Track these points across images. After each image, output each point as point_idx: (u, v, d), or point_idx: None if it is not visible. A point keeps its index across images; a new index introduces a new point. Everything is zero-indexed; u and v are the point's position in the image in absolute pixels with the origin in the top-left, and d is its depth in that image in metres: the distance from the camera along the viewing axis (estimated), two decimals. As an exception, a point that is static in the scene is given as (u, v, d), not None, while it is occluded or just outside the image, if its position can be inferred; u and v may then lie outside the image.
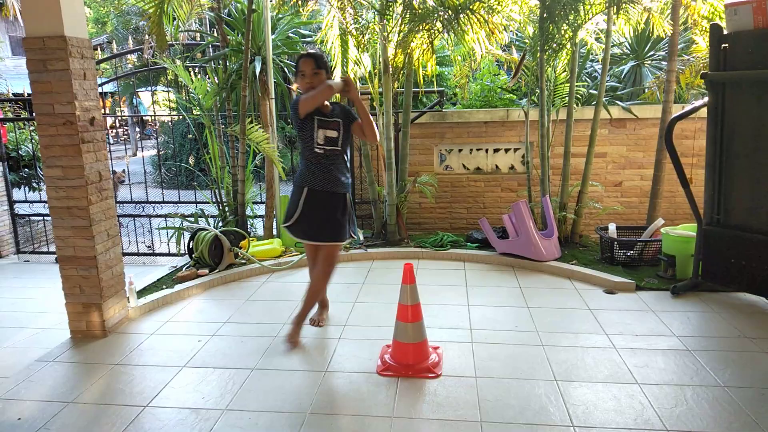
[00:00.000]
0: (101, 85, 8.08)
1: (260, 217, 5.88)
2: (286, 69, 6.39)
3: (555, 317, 3.73)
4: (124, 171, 8.49)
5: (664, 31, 4.96)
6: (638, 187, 5.92)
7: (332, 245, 3.30)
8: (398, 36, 4.97)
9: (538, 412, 2.62)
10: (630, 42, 7.28)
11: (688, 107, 4.14)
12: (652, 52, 7.17)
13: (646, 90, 6.39)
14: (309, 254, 3.50)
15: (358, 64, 5.21)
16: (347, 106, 3.45)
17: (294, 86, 4.13)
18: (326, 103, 3.24)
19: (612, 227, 4.86)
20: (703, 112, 3.98)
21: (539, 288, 4.30)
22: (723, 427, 2.48)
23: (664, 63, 6.33)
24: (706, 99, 3.92)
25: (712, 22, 3.90)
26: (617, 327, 3.54)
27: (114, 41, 14.54)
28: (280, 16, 6.19)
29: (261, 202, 5.98)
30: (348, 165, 3.38)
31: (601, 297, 4.09)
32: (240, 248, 4.90)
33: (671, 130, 4.12)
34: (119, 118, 18.19)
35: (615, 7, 4.65)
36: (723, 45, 3.71)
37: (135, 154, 17.76)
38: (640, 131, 5.81)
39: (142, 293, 4.21)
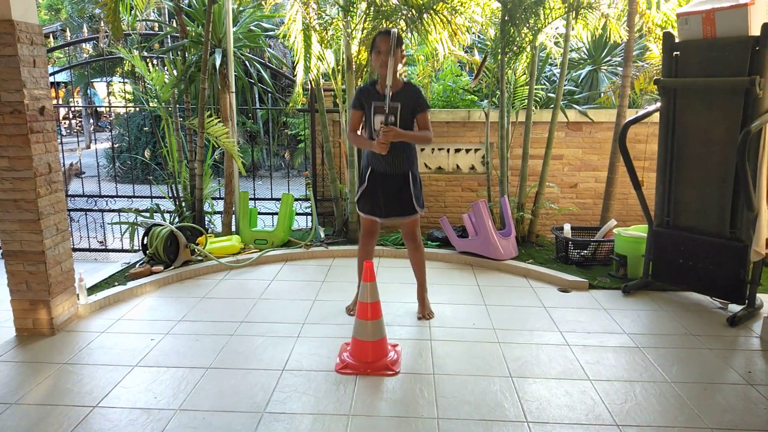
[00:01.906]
0: (53, 74, 7.77)
1: (219, 213, 5.78)
2: (247, 63, 6.29)
3: (511, 315, 3.79)
4: (77, 162, 8.19)
5: (620, 37, 5.11)
6: (593, 189, 6.08)
7: (403, 221, 3.57)
8: (362, 33, 4.96)
9: (494, 408, 2.66)
10: (588, 47, 7.47)
11: (641, 112, 4.27)
12: (608, 58, 7.38)
13: (602, 94, 6.57)
14: (367, 228, 3.68)
15: (321, 60, 5.17)
16: (416, 91, 3.42)
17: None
18: (388, 84, 3.26)
19: (567, 227, 4.98)
20: (656, 116, 4.12)
21: (497, 286, 4.37)
22: (669, 421, 2.58)
23: (619, 68, 6.52)
24: (658, 104, 4.06)
25: (665, 31, 4.04)
26: (571, 324, 3.63)
27: (68, 29, 14.01)
28: (241, 8, 6.09)
29: (220, 198, 5.87)
30: (410, 147, 3.49)
31: (555, 295, 4.19)
32: (197, 245, 4.80)
33: (625, 133, 4.25)
34: (72, 108, 17.54)
35: (574, 12, 4.75)
36: (675, 53, 3.85)
37: (89, 147, 17.15)
38: (596, 134, 5.96)
39: (92, 290, 4.07)
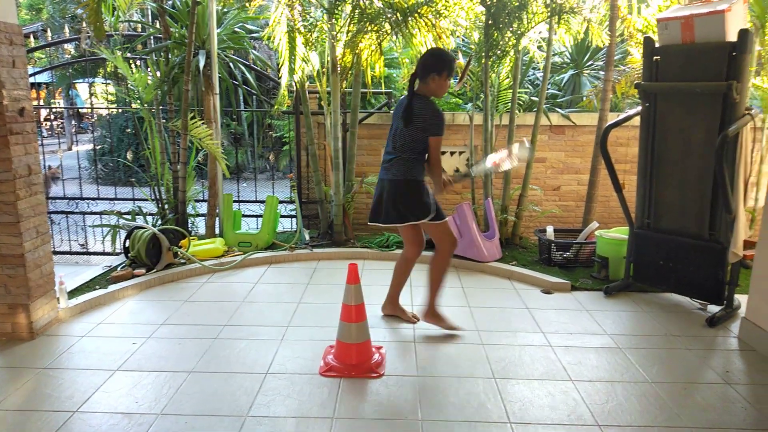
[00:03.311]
0: (34, 74, 7.65)
1: (202, 215, 5.74)
2: (231, 64, 6.26)
3: (495, 316, 3.82)
4: (58, 166, 8.08)
5: (602, 41, 5.17)
6: (575, 192, 6.15)
7: (429, 224, 3.49)
8: (347, 36, 4.97)
9: (477, 410, 2.67)
10: (570, 51, 7.56)
11: (622, 116, 4.32)
12: (590, 62, 7.48)
13: (585, 98, 6.65)
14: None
15: (306, 62, 5.17)
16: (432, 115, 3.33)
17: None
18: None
19: (550, 230, 5.03)
20: (637, 120, 4.18)
21: (480, 288, 4.40)
22: (649, 421, 2.61)
23: (601, 72, 6.59)
24: (639, 108, 4.12)
25: (645, 35, 4.10)
26: (553, 326, 3.67)
27: (49, 29, 13.82)
28: (226, 10, 6.06)
29: (203, 200, 5.83)
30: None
31: (538, 297, 4.22)
32: (180, 247, 4.76)
33: (606, 137, 4.30)
34: (54, 110, 17.29)
35: (556, 16, 4.81)
36: (655, 57, 3.91)
37: (70, 148, 16.93)
38: (578, 138, 6.03)
39: (73, 294, 4.02)
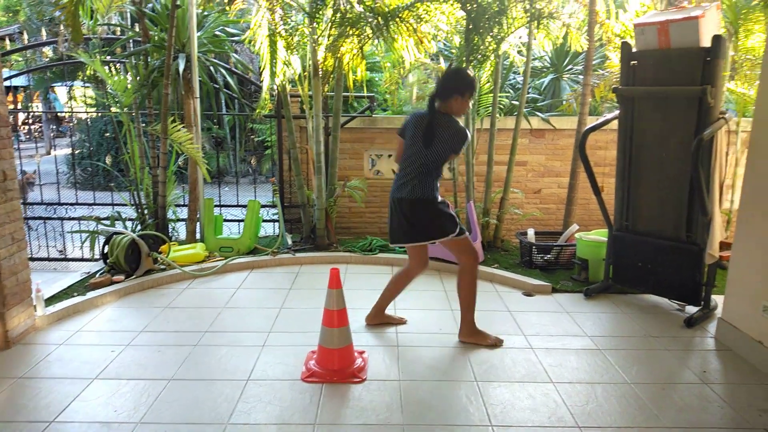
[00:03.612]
0: (10, 78, 7.51)
1: (183, 220, 5.68)
2: (212, 68, 6.22)
3: (477, 319, 3.82)
4: (34, 171, 7.95)
5: (581, 46, 5.24)
6: (555, 195, 6.20)
7: (451, 240, 3.36)
8: (328, 39, 4.96)
9: (459, 413, 2.68)
10: (550, 56, 7.64)
11: (600, 119, 4.38)
12: (570, 66, 7.56)
13: (564, 102, 6.72)
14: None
15: (287, 66, 5.15)
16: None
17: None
18: None
19: (531, 232, 5.07)
20: (615, 124, 4.23)
21: (463, 291, 4.41)
22: (629, 422, 2.64)
23: (580, 77, 6.67)
24: (617, 112, 4.17)
25: (623, 40, 4.16)
26: (534, 328, 3.69)
27: (26, 32, 13.60)
28: (206, 13, 6.02)
29: (184, 205, 5.78)
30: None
31: (520, 299, 4.25)
32: (160, 253, 4.71)
33: (585, 140, 4.35)
34: (32, 114, 17.00)
35: (536, 21, 4.85)
36: (632, 62, 3.97)
37: (49, 153, 16.66)
38: (558, 141, 6.09)
39: (51, 301, 3.95)
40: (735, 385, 3.01)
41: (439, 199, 3.35)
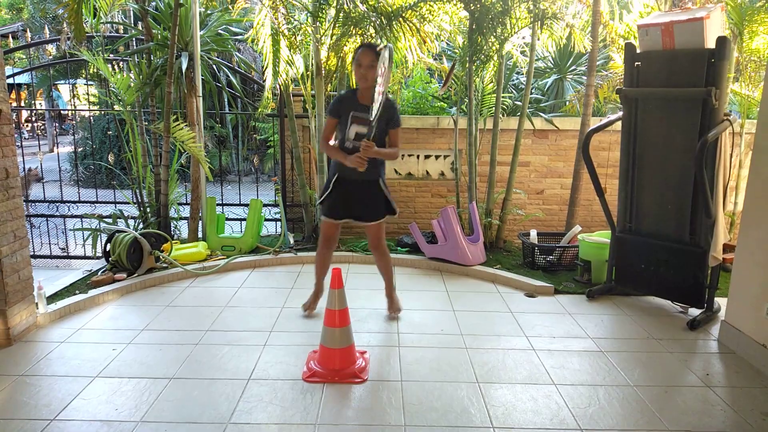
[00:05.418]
0: (13, 75, 7.52)
1: (185, 219, 5.68)
2: (215, 67, 6.22)
3: (479, 320, 3.83)
4: (37, 167, 7.97)
5: (584, 47, 5.23)
6: (558, 196, 6.19)
7: (367, 225, 3.63)
8: (331, 39, 4.96)
9: (460, 415, 2.67)
10: (553, 56, 7.62)
11: (604, 120, 4.36)
12: (573, 67, 7.55)
13: (567, 103, 6.71)
14: (326, 234, 3.72)
15: (290, 65, 5.15)
16: (392, 108, 3.50)
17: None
18: (377, 101, 3.26)
19: (533, 233, 5.06)
20: (619, 125, 4.22)
21: (465, 291, 4.41)
22: (631, 424, 2.63)
23: (584, 77, 6.66)
24: (620, 113, 4.16)
25: (627, 41, 4.15)
26: (536, 329, 3.68)
27: (29, 30, 13.62)
28: (209, 12, 6.02)
29: (186, 204, 5.78)
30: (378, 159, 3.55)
31: (522, 300, 4.24)
32: (162, 251, 4.71)
33: (588, 141, 4.33)
34: (35, 111, 17.04)
35: (539, 22, 4.85)
36: (636, 63, 3.95)
37: (52, 150, 16.69)
38: (561, 142, 6.08)
39: (52, 299, 3.95)
40: (738, 388, 3.00)
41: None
